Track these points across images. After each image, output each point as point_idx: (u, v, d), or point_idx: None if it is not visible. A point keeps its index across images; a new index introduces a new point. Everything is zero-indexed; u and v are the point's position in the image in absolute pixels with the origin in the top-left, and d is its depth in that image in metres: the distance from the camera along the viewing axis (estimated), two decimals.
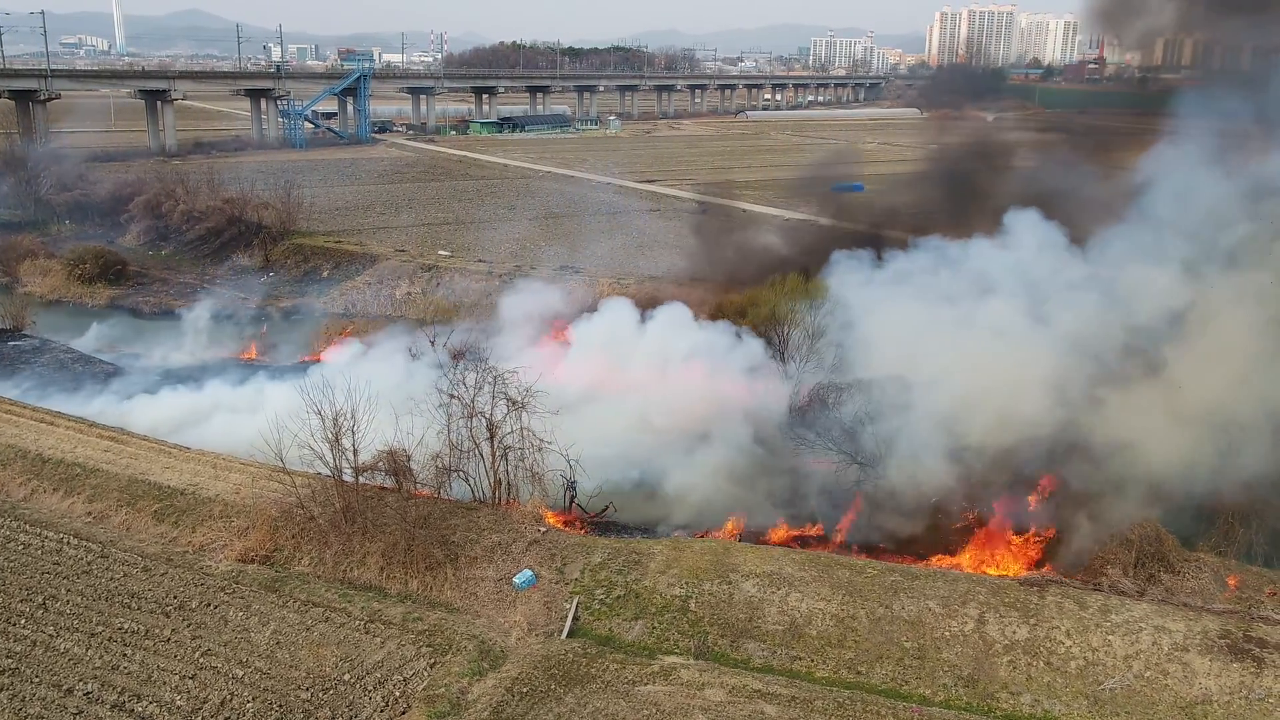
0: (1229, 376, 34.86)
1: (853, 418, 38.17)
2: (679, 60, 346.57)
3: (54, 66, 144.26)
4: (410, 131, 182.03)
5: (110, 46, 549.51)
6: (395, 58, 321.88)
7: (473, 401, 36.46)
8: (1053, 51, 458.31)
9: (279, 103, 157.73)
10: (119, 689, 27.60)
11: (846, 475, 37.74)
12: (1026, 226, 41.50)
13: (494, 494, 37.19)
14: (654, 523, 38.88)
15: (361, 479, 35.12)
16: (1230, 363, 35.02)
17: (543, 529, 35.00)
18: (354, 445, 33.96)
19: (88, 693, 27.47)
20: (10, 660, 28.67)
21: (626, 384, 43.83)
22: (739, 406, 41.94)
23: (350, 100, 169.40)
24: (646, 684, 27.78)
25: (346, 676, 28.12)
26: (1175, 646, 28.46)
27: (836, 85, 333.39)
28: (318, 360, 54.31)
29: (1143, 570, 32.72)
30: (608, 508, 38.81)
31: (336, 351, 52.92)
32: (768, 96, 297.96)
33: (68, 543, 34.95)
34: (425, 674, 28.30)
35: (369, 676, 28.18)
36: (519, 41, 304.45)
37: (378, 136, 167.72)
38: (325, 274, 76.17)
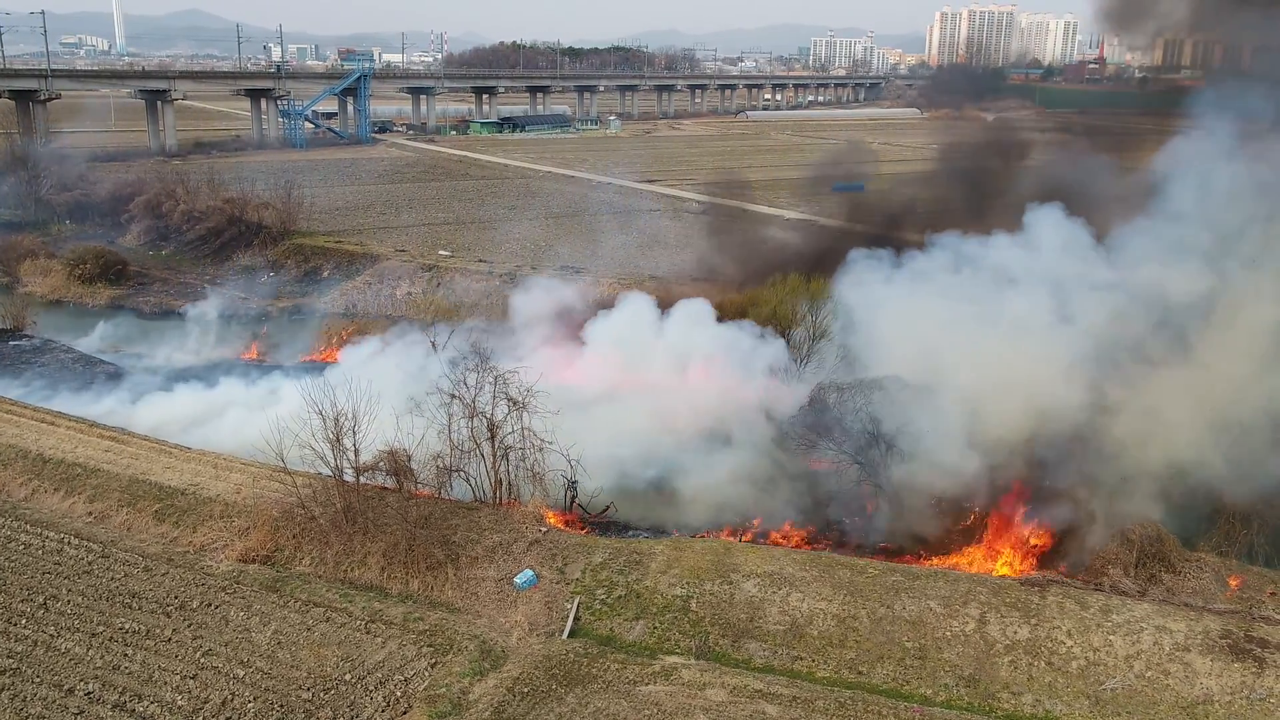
0: (1238, 375, 34.78)
1: (868, 417, 37.72)
2: (679, 60, 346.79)
3: (54, 66, 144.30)
4: (410, 131, 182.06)
5: (110, 46, 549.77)
6: (395, 58, 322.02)
7: (474, 401, 36.47)
8: (1053, 51, 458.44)
9: (279, 103, 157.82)
10: (120, 689, 27.60)
11: (850, 475, 37.56)
12: (1047, 222, 41.11)
13: (495, 494, 37.20)
14: (666, 525, 38.60)
15: (362, 479, 35.13)
16: (1242, 360, 34.94)
17: (544, 529, 35.01)
18: (355, 445, 33.97)
19: (89, 693, 27.48)
20: (11, 660, 28.68)
21: (640, 383, 43.58)
22: (755, 406, 41.74)
23: (350, 100, 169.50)
24: (648, 684, 27.78)
25: (347, 676, 28.12)
26: (1176, 646, 28.46)
27: (836, 85, 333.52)
28: (330, 360, 54.23)
29: (1144, 570, 32.71)
30: (608, 508, 38.80)
31: (353, 349, 52.32)
32: (768, 96, 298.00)
33: (69, 543, 34.95)
34: (426, 674, 28.30)
35: (370, 676, 28.18)
36: (519, 41, 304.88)
37: (378, 136, 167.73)
38: (326, 274, 76.18)
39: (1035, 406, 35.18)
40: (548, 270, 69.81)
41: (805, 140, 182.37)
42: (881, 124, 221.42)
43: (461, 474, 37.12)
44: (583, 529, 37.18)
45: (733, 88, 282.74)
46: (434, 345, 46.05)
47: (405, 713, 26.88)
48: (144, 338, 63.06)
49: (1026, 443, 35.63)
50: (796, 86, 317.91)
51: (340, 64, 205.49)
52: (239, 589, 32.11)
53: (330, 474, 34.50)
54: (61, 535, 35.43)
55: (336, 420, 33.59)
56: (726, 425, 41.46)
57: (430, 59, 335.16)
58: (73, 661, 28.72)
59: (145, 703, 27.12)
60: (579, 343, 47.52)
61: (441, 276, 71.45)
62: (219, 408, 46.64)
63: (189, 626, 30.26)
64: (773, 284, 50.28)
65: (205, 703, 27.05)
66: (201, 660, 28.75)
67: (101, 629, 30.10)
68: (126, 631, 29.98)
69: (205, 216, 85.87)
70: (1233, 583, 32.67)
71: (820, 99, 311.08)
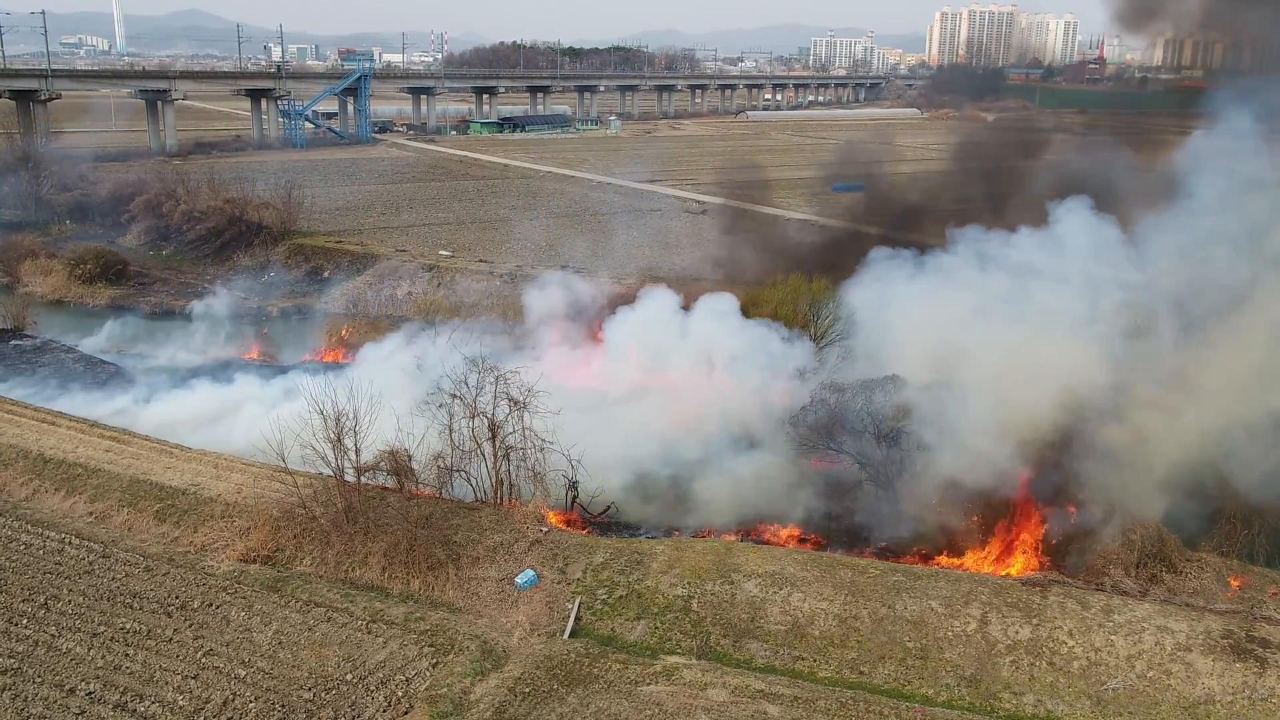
0: (1245, 374, 34.65)
1: (881, 415, 37.42)
2: (679, 60, 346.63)
3: (54, 66, 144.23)
4: (411, 131, 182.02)
5: (110, 46, 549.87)
6: (395, 58, 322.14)
7: (474, 401, 36.47)
8: (1053, 51, 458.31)
9: (279, 103, 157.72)
10: (121, 689, 27.59)
11: (865, 473, 37.46)
12: (1073, 218, 40.63)
13: (496, 494, 37.20)
14: (677, 526, 38.48)
15: (363, 479, 35.12)
16: (1249, 359, 34.80)
17: (545, 529, 35.00)
18: (356, 445, 33.96)
19: (90, 693, 27.47)
20: (12, 660, 28.66)
21: (650, 383, 43.37)
22: (771, 405, 41.55)
23: (351, 100, 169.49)
24: (649, 684, 27.77)
25: (349, 676, 28.12)
26: (1178, 646, 28.46)
27: (837, 85, 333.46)
28: (332, 360, 54.06)
29: (1145, 570, 32.69)
30: (609, 508, 38.78)
31: (372, 348, 51.83)
32: (768, 96, 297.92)
33: (69, 543, 34.94)
34: (427, 674, 28.30)
35: (371, 676, 28.18)
36: (519, 41, 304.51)
37: (378, 136, 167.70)
38: (326, 274, 76.22)
39: (1062, 402, 34.78)
40: (547, 270, 69.69)
41: (806, 140, 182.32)
42: (882, 124, 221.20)
43: (462, 474, 37.09)
44: (584, 529, 37.17)
45: (733, 88, 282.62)
46: (432, 343, 45.96)
47: (407, 713, 26.88)
48: (146, 338, 62.99)
49: (1048, 441, 35.37)
50: (797, 86, 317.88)
51: (340, 64, 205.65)
52: (240, 589, 32.11)
53: (331, 474, 34.49)
54: (62, 535, 35.42)
55: (338, 420, 33.59)
56: (750, 428, 41.15)
57: (430, 59, 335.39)
58: (74, 661, 28.71)
59: (146, 703, 27.12)
60: (595, 341, 47.28)
61: (442, 276, 71.50)
62: (220, 407, 46.57)
63: (190, 626, 30.25)
64: (774, 284, 50.14)
65: (206, 703, 27.04)
66: (203, 660, 28.75)
67: (102, 629, 30.09)
68: (127, 631, 29.97)
69: (205, 216, 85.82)
70: (1234, 583, 32.67)
71: (820, 99, 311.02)
